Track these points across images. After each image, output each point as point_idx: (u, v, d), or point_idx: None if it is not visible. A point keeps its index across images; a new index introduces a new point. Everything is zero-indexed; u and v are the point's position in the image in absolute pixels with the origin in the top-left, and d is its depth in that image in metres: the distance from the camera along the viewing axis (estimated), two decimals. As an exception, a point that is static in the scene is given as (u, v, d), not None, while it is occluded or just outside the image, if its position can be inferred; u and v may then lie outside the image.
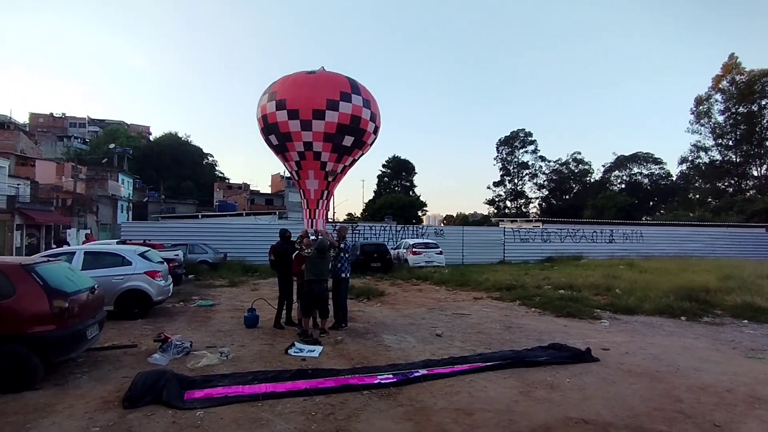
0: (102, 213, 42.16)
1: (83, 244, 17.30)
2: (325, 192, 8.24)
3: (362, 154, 8.57)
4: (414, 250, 20.06)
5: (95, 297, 5.68)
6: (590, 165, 70.77)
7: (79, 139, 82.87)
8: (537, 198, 73.74)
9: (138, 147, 73.44)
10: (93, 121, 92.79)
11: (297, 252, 8.07)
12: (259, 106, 8.08)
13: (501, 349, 6.62)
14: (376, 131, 8.50)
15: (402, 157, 71.62)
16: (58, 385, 4.89)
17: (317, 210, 8.22)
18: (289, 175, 8.58)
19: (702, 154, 55.21)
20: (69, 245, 16.97)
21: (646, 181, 64.91)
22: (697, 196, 56.01)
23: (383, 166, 71.95)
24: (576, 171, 71.62)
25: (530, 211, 71.92)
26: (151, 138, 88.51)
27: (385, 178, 71.78)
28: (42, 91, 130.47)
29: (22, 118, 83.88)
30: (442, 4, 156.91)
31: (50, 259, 5.69)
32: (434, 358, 6.14)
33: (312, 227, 8.37)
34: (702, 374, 5.47)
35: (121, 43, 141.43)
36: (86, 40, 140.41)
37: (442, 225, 52.73)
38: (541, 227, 28.33)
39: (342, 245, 7.93)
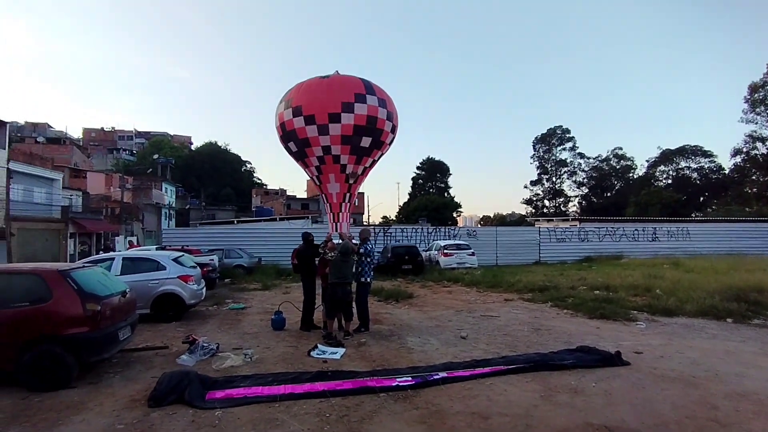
0: (147, 221, 44.24)
1: (127, 250, 18.18)
2: (347, 194, 8.30)
3: (382, 155, 8.58)
4: (445, 251, 19.86)
5: (127, 300, 5.96)
6: (633, 160, 67.89)
7: (127, 151, 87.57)
8: (576, 196, 71.46)
9: (180, 156, 76.68)
10: (139, 134, 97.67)
11: (321, 255, 8.20)
12: (276, 115, 8.26)
13: (526, 351, 6.44)
14: (393, 130, 8.48)
15: (436, 159, 71.43)
16: (92, 384, 5.17)
17: (341, 213, 8.30)
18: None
19: (758, 144, 51.46)
20: (116, 251, 17.91)
21: (695, 175, 61.35)
22: (754, 189, 52.34)
23: (417, 168, 72.00)
24: (617, 167, 68.82)
25: (569, 210, 69.69)
26: (193, 147, 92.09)
27: (420, 180, 71.67)
28: (94, 106, 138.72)
29: (76, 133, 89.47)
30: (472, 2, 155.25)
31: (86, 264, 6.01)
32: (456, 360, 6.04)
33: (336, 230, 8.45)
34: (744, 380, 5.10)
35: (165, 59, 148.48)
36: (134, 58, 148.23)
37: (478, 226, 52.03)
38: (578, 226, 27.36)
39: (363, 249, 7.93)
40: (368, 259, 7.99)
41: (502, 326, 8.41)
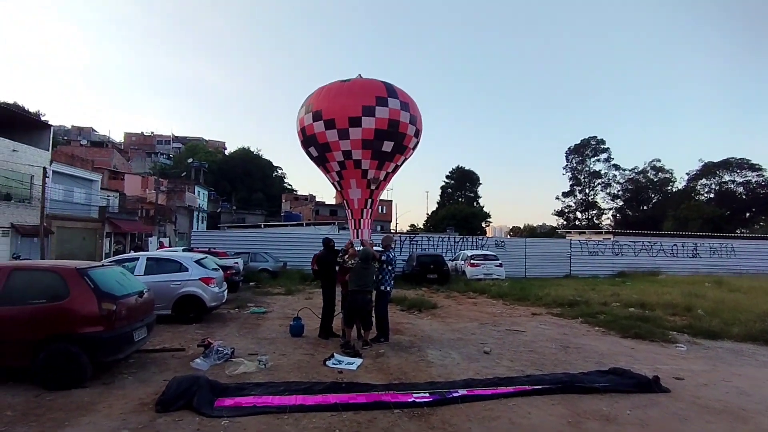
0: (180, 223, 45.50)
1: (157, 250, 18.57)
2: (369, 201, 8.11)
3: (405, 159, 8.35)
4: (472, 261, 19.39)
5: (144, 301, 5.93)
6: (672, 173, 65.21)
7: (164, 155, 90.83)
8: (610, 209, 69.11)
9: (214, 161, 78.72)
10: (176, 138, 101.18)
11: (341, 262, 8.03)
12: (297, 120, 8.19)
13: (553, 371, 6.03)
14: (417, 135, 8.25)
15: (466, 168, 70.79)
16: (105, 384, 5.12)
17: (362, 220, 8.10)
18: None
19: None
20: (147, 251, 18.32)
21: (740, 189, 58.22)
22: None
23: (447, 177, 71.57)
24: (655, 180, 66.20)
25: (603, 223, 67.47)
26: (227, 152, 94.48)
27: (449, 189, 71.17)
28: (137, 112, 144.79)
29: (118, 137, 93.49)
30: (504, 10, 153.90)
31: (105, 264, 6.03)
32: (477, 377, 5.71)
33: (358, 237, 8.27)
34: (801, 415, 4.57)
35: (205, 66, 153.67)
36: (176, 66, 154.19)
37: (507, 236, 51.01)
38: (612, 239, 26.29)
39: (384, 257, 7.71)
40: (389, 268, 7.75)
41: (528, 342, 7.99)
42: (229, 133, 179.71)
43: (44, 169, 20.34)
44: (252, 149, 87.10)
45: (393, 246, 8.34)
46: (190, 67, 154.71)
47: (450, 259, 21.08)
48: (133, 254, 10.38)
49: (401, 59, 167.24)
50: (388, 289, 7.77)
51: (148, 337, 6.12)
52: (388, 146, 7.69)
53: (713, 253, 25.15)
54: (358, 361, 6.40)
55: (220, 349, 6.23)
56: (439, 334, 8.59)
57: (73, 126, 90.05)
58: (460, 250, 22.80)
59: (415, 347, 7.45)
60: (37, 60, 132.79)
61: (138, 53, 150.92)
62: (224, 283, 10.41)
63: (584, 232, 34.90)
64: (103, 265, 5.79)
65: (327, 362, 6.25)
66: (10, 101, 52.75)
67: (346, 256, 7.96)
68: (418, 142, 8.38)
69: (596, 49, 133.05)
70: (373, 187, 8.00)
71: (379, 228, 50.98)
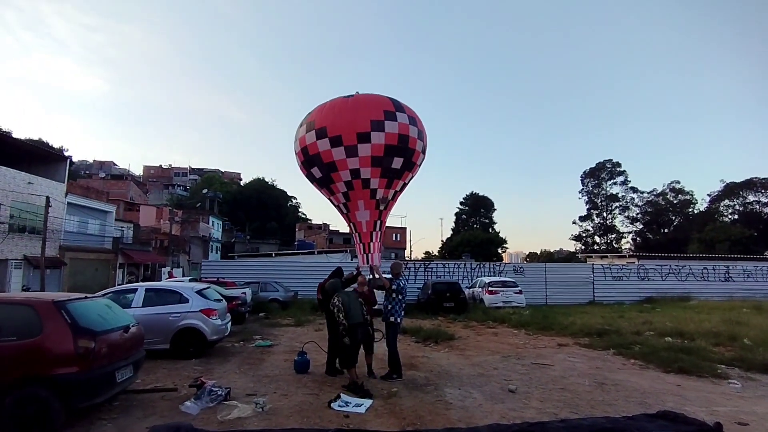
0: (194, 253, 45.45)
1: (165, 281, 18.18)
2: (378, 222, 7.54)
3: (412, 177, 7.83)
4: (490, 288, 18.50)
5: (131, 336, 5.38)
6: (692, 195, 63.45)
7: (181, 187, 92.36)
8: (630, 232, 67.30)
9: (229, 192, 79.66)
10: (193, 170, 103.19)
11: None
12: (296, 139, 7.71)
13: (591, 414, 5.24)
14: (424, 151, 7.78)
15: (480, 194, 70.19)
16: (79, 434, 4.54)
17: (371, 243, 7.51)
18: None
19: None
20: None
21: (766, 210, 56.27)
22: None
23: (461, 203, 71.05)
24: (675, 202, 64.53)
25: (622, 247, 65.58)
26: (242, 183, 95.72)
27: (463, 216, 70.56)
28: (156, 145, 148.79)
29: (138, 170, 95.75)
30: (516, 35, 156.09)
31: (88, 296, 5.54)
32: (503, 422, 4.95)
33: (367, 263, 7.67)
34: None
35: (220, 100, 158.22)
36: (192, 100, 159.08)
37: (525, 262, 49.74)
38: (636, 263, 25.10)
39: (395, 286, 7.11)
40: (399, 297, 7.12)
41: (558, 378, 7.18)
42: (245, 165, 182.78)
43: (47, 198, 20.34)
44: (267, 180, 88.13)
45: (403, 273, 7.74)
46: (207, 101, 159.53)
47: (467, 287, 20.24)
48: (131, 285, 9.92)
49: (413, 83, 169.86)
50: (398, 320, 7.11)
51: (135, 376, 5.53)
52: (397, 163, 7.19)
53: (747, 276, 23.75)
54: (368, 402, 5.71)
55: (214, 389, 5.61)
56: (457, 369, 7.83)
57: (94, 160, 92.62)
58: (477, 277, 21.95)
59: (432, 385, 6.71)
60: (61, 97, 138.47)
61: (158, 88, 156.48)
62: (227, 314, 9.84)
63: (606, 256, 33.61)
64: (86, 297, 5.29)
65: (332, 404, 5.57)
66: (35, 137, 54.45)
67: (357, 285, 7.40)
68: (424, 159, 7.91)
69: (607, 71, 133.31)
70: (381, 208, 7.44)
71: (393, 255, 50.23)
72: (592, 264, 24.91)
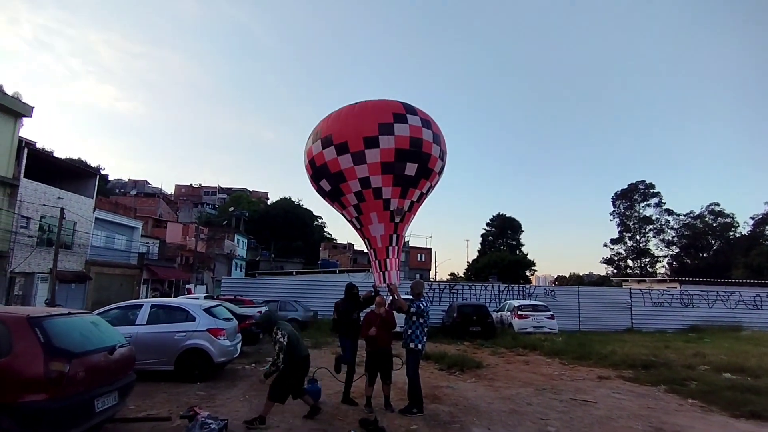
0: (218, 270, 45.58)
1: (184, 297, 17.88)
2: (394, 236, 6.79)
3: (431, 187, 7.06)
4: (520, 313, 17.36)
5: (117, 358, 4.80)
6: (733, 217, 60.06)
7: (210, 206, 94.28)
8: (665, 256, 64.08)
9: (256, 211, 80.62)
10: (222, 190, 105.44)
11: (368, 311, 6.76)
12: (305, 152, 7.13)
13: (653, 470, 4.31)
14: (443, 157, 7.00)
15: (507, 215, 68.74)
16: (48, 472, 3.93)
17: (388, 260, 6.79)
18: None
19: None
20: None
21: (816, 233, 52.60)
22: None
23: (487, 224, 69.96)
24: (714, 225, 61.18)
25: (657, 271, 62.47)
26: (269, 203, 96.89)
27: (490, 237, 69.25)
28: (190, 164, 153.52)
29: (169, 189, 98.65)
30: (542, 54, 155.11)
31: (73, 312, 5.01)
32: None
33: (385, 281, 6.95)
34: None
35: (251, 121, 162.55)
36: (221, 121, 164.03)
37: (554, 284, 47.76)
38: (679, 288, 23.37)
39: (414, 308, 6.36)
40: (420, 320, 6.35)
41: (604, 419, 6.20)
42: (272, 184, 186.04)
43: (61, 210, 20.48)
44: (293, 199, 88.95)
45: (424, 294, 6.97)
46: (237, 122, 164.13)
47: (494, 310, 19.15)
48: (137, 301, 9.47)
49: (443, 101, 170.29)
50: (420, 346, 6.31)
51: (121, 404, 4.93)
52: (411, 169, 6.46)
53: (808, 306, 21.70)
54: (382, 442, 4.94)
55: (208, 422, 4.94)
56: (486, 404, 6.95)
57: (129, 179, 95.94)
58: (506, 300, 20.82)
59: (457, 423, 5.88)
60: (103, 119, 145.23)
61: (190, 110, 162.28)
62: (237, 335, 9.25)
63: (644, 280, 31.67)
64: (69, 314, 4.77)
65: (341, 444, 4.83)
66: (75, 157, 56.66)
67: (374, 306, 6.70)
68: (443, 167, 7.13)
69: (640, 92, 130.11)
70: (397, 220, 6.70)
71: (417, 276, 49.09)
72: (630, 288, 23.31)
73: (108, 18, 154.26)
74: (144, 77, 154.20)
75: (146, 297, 30.80)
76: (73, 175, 25.25)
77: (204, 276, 41.16)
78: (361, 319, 6.87)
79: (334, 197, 6.92)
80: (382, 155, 6.22)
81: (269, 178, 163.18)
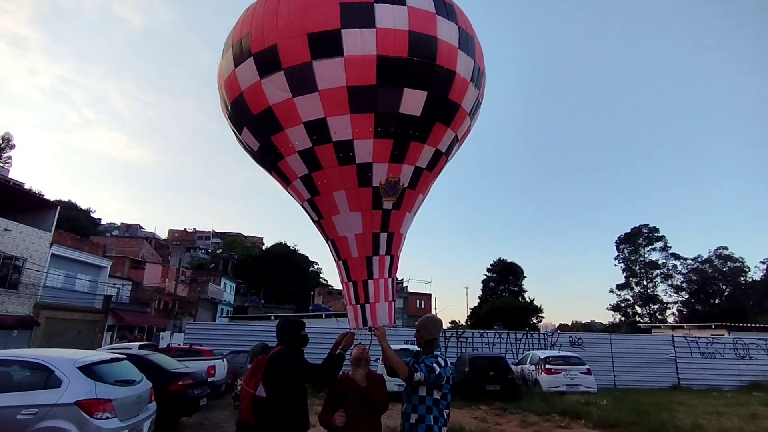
0: (201, 316, 41.75)
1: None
2: (383, 237, 3.41)
3: (457, 140, 3.55)
4: (548, 367, 13.89)
5: None
6: (743, 261, 57.01)
7: (203, 250, 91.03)
8: (675, 302, 60.42)
9: (251, 255, 77.52)
10: (216, 234, 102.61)
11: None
12: (218, 79, 3.91)
13: None
14: (477, 77, 3.59)
15: (508, 260, 65.80)
16: None
17: (371, 282, 3.51)
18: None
19: None
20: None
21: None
22: None
23: (488, 270, 67.06)
24: (724, 269, 57.95)
25: (667, 318, 58.89)
26: (264, 247, 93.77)
27: (491, 283, 66.11)
28: (185, 209, 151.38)
29: (163, 233, 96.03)
30: (541, 88, 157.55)
31: None
32: None
33: (365, 322, 3.78)
34: None
35: (244, 167, 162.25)
36: (219, 167, 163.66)
37: (557, 333, 43.73)
38: (730, 336, 19.94)
39: (421, 372, 3.20)
40: (436, 396, 3.17)
41: None
42: (267, 229, 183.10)
43: None
44: (289, 244, 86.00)
45: (439, 340, 3.78)
46: (236, 168, 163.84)
47: (513, 363, 15.69)
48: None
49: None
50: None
51: None
52: (413, 100, 3.10)
53: None
54: None
55: None
56: None
57: (122, 223, 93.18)
58: (525, 350, 17.39)
59: None
60: (111, 165, 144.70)
61: (189, 156, 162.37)
62: (150, 405, 6.03)
63: (682, 326, 28.07)
64: None
65: None
66: (65, 199, 54.25)
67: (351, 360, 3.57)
68: (479, 100, 3.79)
69: (638, 133, 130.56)
70: (387, 206, 3.43)
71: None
72: (672, 336, 19.81)
73: (122, 67, 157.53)
74: (154, 126, 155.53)
75: (111, 343, 27.08)
76: (30, 206, 22.44)
77: (182, 322, 37.32)
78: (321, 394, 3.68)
79: (268, 162, 3.66)
80: (350, 72, 3.05)
81: (264, 222, 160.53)
